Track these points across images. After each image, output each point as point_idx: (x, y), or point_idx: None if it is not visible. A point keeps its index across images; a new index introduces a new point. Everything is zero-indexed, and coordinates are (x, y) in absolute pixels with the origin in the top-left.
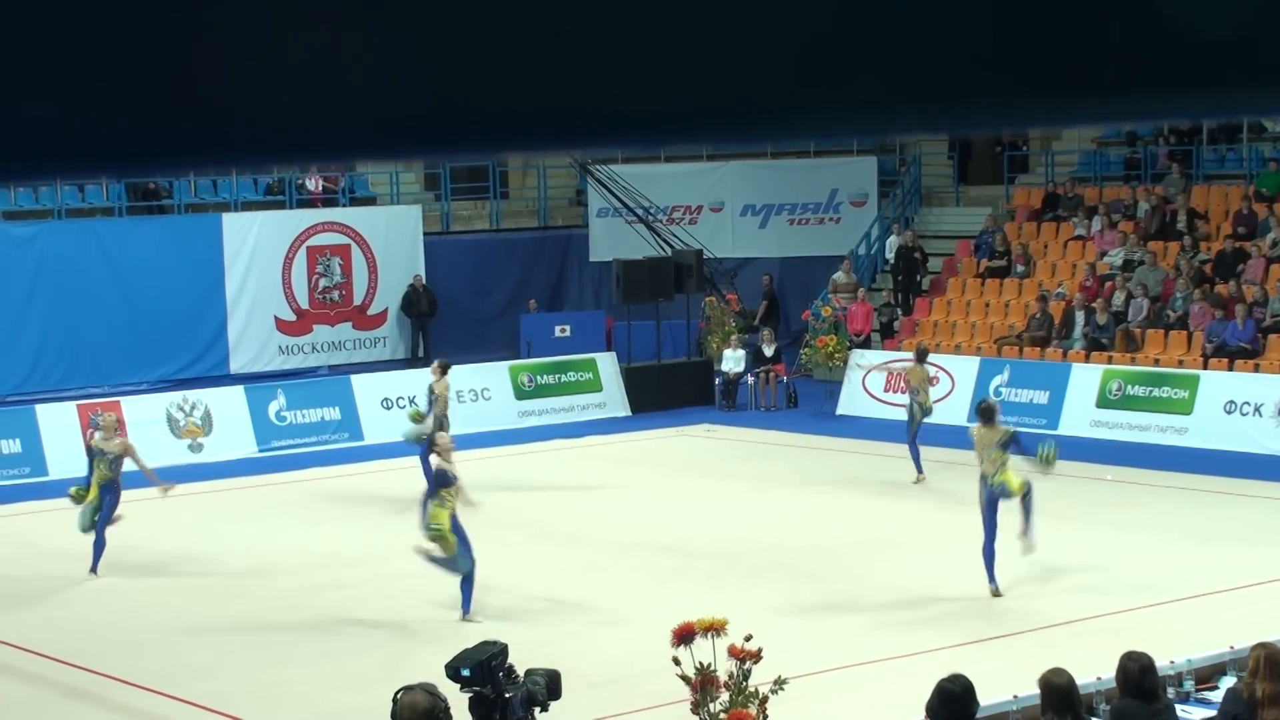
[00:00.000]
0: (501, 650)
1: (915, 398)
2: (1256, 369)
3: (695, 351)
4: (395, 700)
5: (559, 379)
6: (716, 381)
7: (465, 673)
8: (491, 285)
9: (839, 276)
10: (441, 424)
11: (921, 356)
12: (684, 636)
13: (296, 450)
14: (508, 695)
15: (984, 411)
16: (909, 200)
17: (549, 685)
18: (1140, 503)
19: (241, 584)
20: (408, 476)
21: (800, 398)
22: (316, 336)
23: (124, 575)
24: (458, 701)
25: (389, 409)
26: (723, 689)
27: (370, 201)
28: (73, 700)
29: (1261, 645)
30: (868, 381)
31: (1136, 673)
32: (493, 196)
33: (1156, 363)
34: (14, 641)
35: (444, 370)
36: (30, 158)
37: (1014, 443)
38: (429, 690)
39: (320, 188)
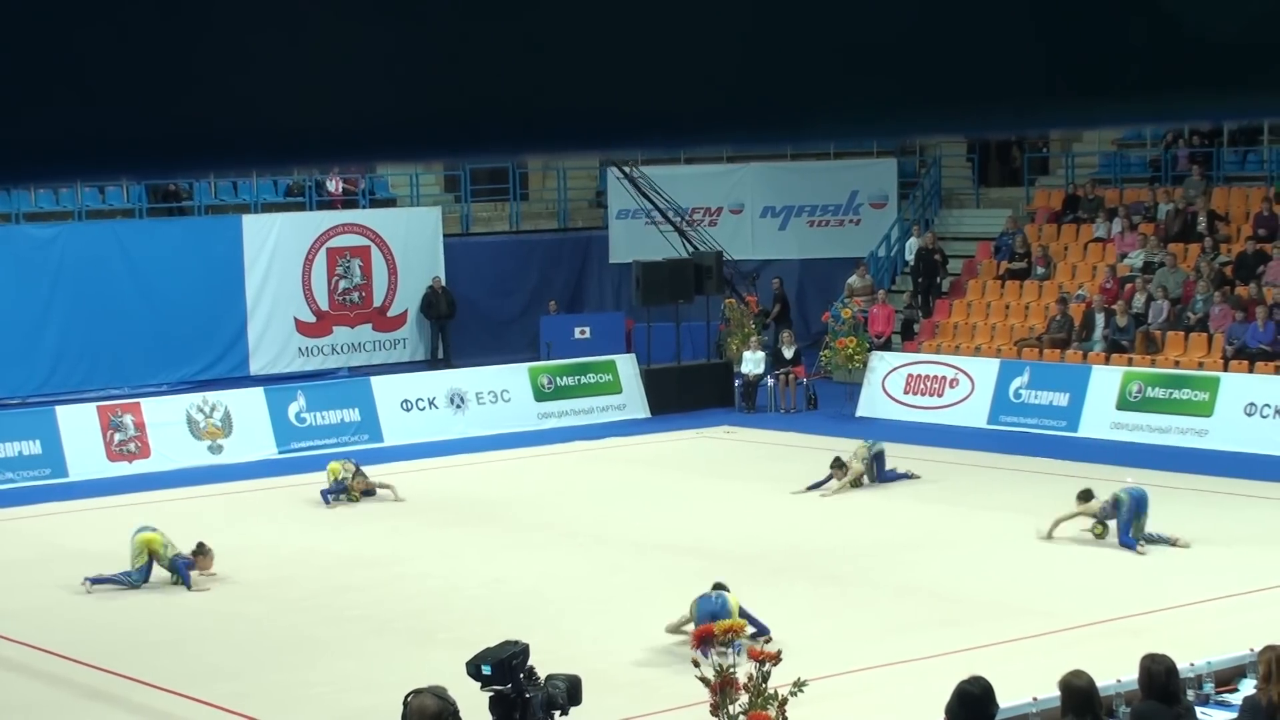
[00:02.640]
0: (523, 650)
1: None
2: (1277, 371)
3: (715, 353)
4: (405, 703)
5: (579, 380)
6: (736, 383)
7: (486, 671)
8: (511, 287)
9: (854, 280)
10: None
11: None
12: (704, 639)
13: (316, 452)
14: (528, 696)
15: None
16: (929, 202)
17: (569, 690)
18: (1160, 505)
19: (262, 585)
20: (428, 478)
21: (820, 399)
22: (336, 338)
23: None
24: (479, 701)
25: (408, 410)
26: (742, 691)
27: (390, 203)
28: (94, 701)
29: (1271, 648)
30: (887, 383)
31: (1162, 675)
32: (512, 198)
33: (1177, 365)
34: (36, 643)
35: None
36: (52, 159)
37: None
38: (438, 694)
39: (340, 189)
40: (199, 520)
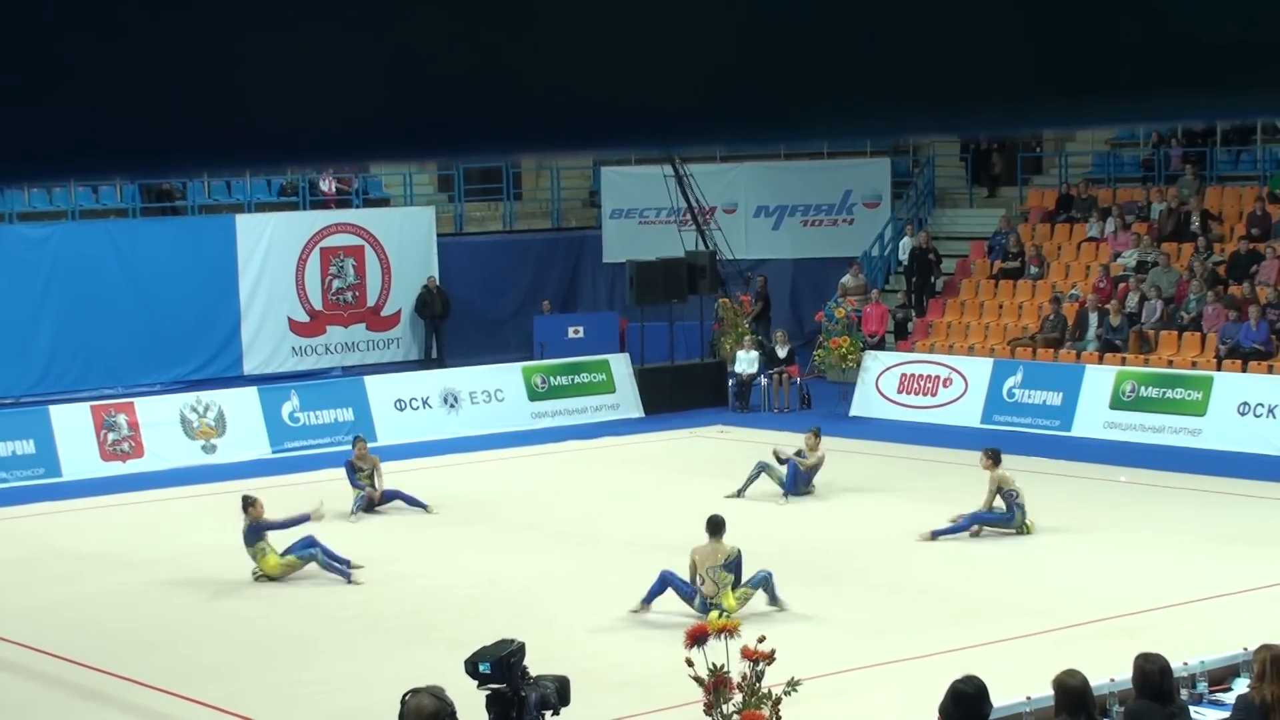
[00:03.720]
0: (519, 647)
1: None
2: (1270, 370)
3: (709, 353)
4: (403, 703)
5: (572, 380)
6: (730, 383)
7: (484, 669)
8: (505, 286)
9: (847, 280)
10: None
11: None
12: (697, 638)
13: (310, 451)
14: (523, 695)
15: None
16: (922, 201)
17: (559, 691)
18: (1153, 504)
19: (255, 585)
20: (421, 478)
21: (814, 399)
22: (330, 338)
23: (137, 576)
24: (474, 702)
25: (402, 410)
26: (736, 690)
27: (384, 203)
28: (87, 701)
29: (1266, 647)
30: (881, 383)
31: (1156, 674)
32: (506, 198)
33: (1170, 364)
34: (28, 643)
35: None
36: (45, 159)
37: None
38: (436, 694)
39: (334, 189)
40: (192, 520)
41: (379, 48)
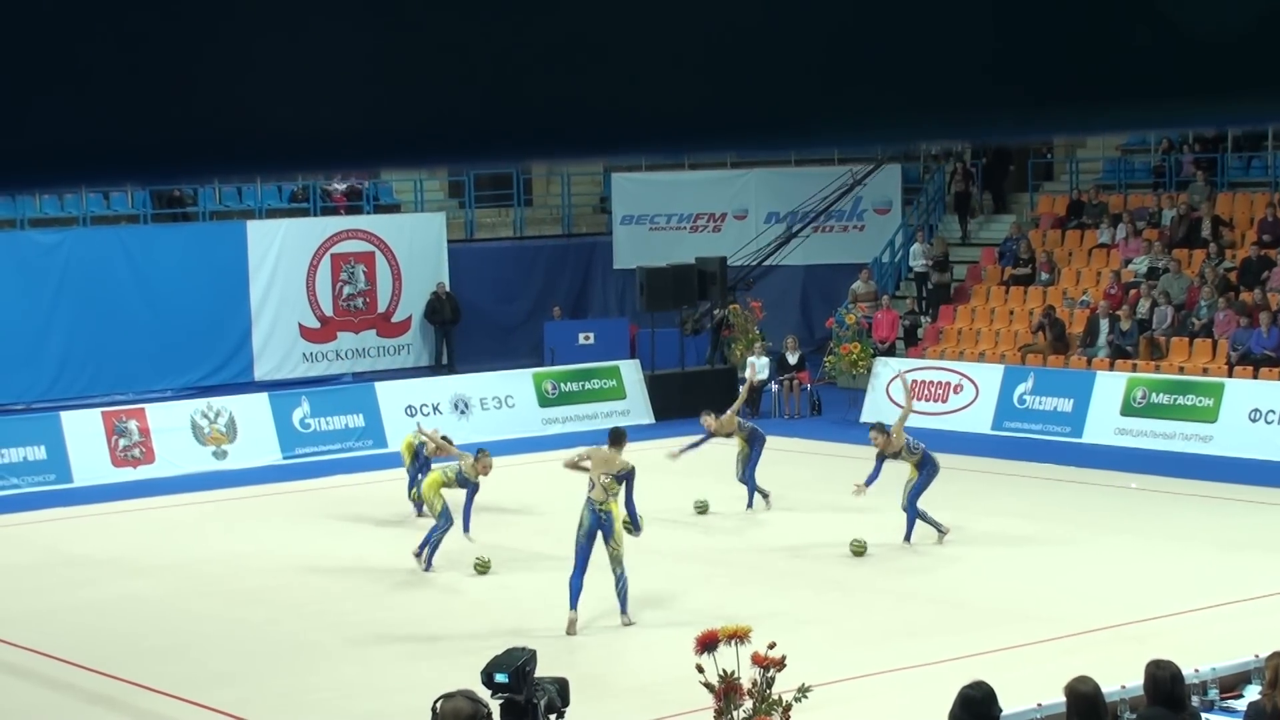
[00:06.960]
0: (531, 655)
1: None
2: None
3: (719, 359)
4: (435, 708)
5: (583, 386)
6: (740, 389)
7: (500, 679)
8: (515, 292)
9: (858, 286)
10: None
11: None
12: (708, 644)
13: (320, 457)
14: (535, 702)
15: (615, 436)
16: (933, 208)
17: (560, 692)
18: (1164, 511)
19: (265, 591)
20: None
21: (824, 405)
22: (341, 344)
23: (148, 582)
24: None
25: (412, 416)
26: (746, 697)
27: (394, 209)
28: (96, 707)
29: (1278, 654)
30: (892, 389)
31: (1167, 681)
32: (516, 204)
33: (1181, 371)
34: (38, 648)
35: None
36: (56, 166)
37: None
38: (470, 696)
39: (344, 195)
40: (202, 525)
41: (390, 55)
